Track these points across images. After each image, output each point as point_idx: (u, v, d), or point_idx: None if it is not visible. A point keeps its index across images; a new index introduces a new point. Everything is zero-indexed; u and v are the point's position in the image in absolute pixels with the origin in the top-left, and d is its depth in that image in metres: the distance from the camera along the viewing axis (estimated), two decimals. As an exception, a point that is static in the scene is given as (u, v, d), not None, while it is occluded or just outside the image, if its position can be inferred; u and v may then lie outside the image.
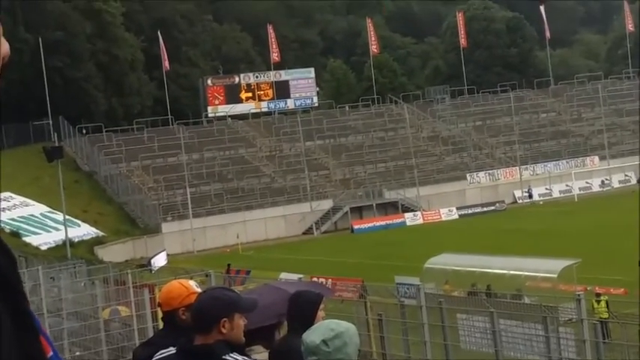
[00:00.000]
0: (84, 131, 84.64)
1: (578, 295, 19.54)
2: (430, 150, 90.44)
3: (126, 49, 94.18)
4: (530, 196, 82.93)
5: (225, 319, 4.97)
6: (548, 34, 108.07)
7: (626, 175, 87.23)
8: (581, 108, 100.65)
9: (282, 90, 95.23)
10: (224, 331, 4.97)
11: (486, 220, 71.75)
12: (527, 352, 20.57)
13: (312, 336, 4.74)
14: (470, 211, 77.42)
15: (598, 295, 31.24)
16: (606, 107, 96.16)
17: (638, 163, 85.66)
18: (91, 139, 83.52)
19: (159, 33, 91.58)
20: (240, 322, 5.06)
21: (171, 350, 5.15)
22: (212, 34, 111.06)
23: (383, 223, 75.09)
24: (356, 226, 74.69)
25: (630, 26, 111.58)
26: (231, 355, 4.95)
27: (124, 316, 20.30)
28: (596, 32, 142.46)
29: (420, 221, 75.47)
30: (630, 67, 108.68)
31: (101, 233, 70.32)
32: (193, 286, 6.06)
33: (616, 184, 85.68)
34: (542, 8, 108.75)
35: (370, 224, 75.07)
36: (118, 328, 19.99)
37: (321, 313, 6.12)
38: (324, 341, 4.68)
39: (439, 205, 78.63)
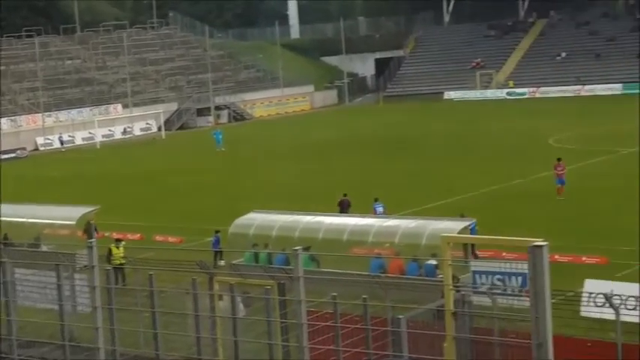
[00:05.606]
0: None
1: (91, 242, 19.83)
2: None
3: None
4: (62, 143, 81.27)
5: None
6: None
7: (147, 123, 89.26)
8: (106, 56, 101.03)
9: None
10: None
11: (7, 167, 69.98)
12: (42, 301, 20.51)
13: None
14: (-10, 158, 75.03)
15: (118, 240, 31.87)
16: (130, 56, 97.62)
17: (160, 111, 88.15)
18: None
19: None
20: None
21: None
22: None
23: None
24: None
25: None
26: None
27: None
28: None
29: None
30: (155, 18, 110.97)
31: None
32: None
33: (138, 132, 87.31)
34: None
35: None
36: None
37: None
38: None
39: (-44, 151, 75.33)
